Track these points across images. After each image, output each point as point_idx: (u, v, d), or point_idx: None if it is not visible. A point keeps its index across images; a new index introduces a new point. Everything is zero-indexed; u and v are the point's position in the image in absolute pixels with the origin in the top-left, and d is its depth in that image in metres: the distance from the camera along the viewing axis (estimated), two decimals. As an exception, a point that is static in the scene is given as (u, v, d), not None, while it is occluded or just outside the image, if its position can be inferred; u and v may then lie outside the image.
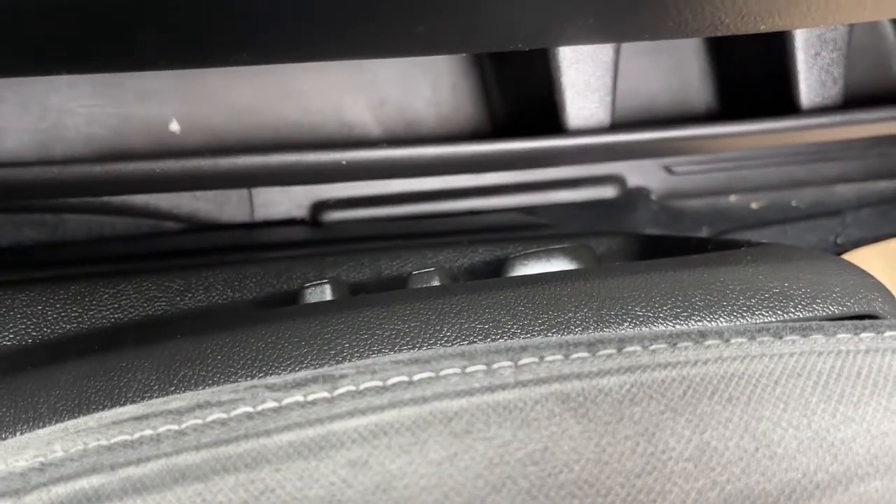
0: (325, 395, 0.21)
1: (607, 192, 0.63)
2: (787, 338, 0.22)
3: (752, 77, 0.57)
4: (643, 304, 0.31)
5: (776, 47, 0.52)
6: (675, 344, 0.22)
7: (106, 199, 0.52)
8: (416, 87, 0.55)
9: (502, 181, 0.60)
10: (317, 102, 0.54)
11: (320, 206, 0.56)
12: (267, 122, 0.53)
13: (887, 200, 0.71)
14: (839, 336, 0.22)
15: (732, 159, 0.66)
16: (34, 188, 0.42)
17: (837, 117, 0.51)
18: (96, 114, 0.50)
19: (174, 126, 0.52)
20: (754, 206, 0.68)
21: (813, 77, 0.52)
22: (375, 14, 0.29)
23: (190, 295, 0.39)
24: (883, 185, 0.71)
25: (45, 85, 0.49)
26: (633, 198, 0.64)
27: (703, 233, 0.67)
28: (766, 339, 0.22)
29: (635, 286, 0.32)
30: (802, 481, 0.20)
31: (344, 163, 0.43)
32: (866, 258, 0.68)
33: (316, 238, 0.54)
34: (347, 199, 0.57)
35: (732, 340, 0.22)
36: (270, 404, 0.21)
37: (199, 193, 0.55)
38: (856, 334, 0.22)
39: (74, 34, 0.28)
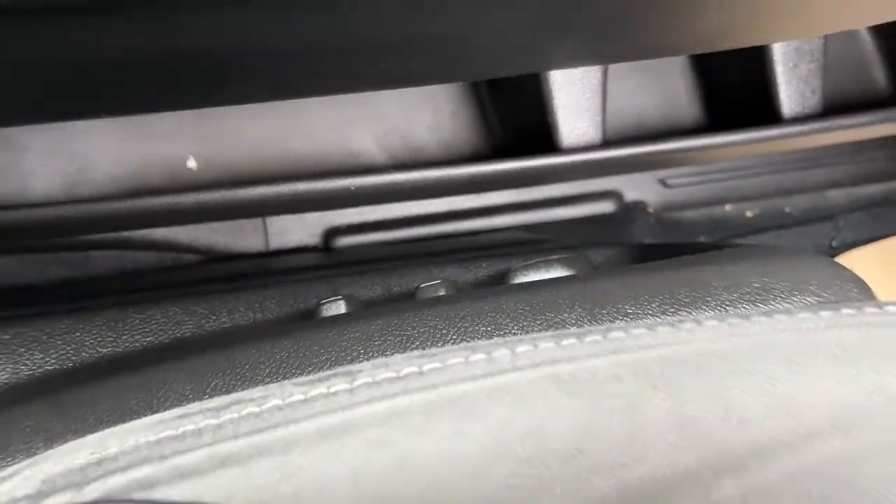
0: (346, 386, 0.23)
1: (605, 207, 0.65)
2: (754, 319, 0.25)
3: (735, 90, 0.59)
4: (633, 302, 0.34)
5: (756, 61, 0.55)
6: (654, 329, 0.24)
7: (128, 234, 0.55)
8: (418, 115, 0.58)
9: (503, 201, 0.62)
10: (325, 135, 0.57)
11: (332, 232, 0.59)
12: (278, 155, 0.56)
13: (878, 203, 0.72)
14: (801, 315, 0.25)
15: (726, 170, 0.68)
16: (64, 225, 0.45)
17: (817, 125, 0.53)
18: (119, 155, 0.53)
19: (191, 163, 0.55)
20: (749, 214, 0.70)
21: (792, 88, 0.55)
22: (374, 55, 0.32)
23: (214, 318, 0.42)
24: (873, 189, 0.72)
25: (72, 131, 0.53)
26: (630, 212, 0.66)
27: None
28: (735, 321, 0.25)
29: (625, 287, 0.35)
30: (770, 443, 0.22)
31: (353, 188, 0.46)
32: (862, 258, 0.70)
33: (329, 262, 0.56)
34: (358, 224, 0.60)
35: (706, 324, 0.25)
36: (298, 397, 0.23)
37: (216, 225, 0.58)
38: (815, 313, 0.25)
39: (107, 86, 0.31)
